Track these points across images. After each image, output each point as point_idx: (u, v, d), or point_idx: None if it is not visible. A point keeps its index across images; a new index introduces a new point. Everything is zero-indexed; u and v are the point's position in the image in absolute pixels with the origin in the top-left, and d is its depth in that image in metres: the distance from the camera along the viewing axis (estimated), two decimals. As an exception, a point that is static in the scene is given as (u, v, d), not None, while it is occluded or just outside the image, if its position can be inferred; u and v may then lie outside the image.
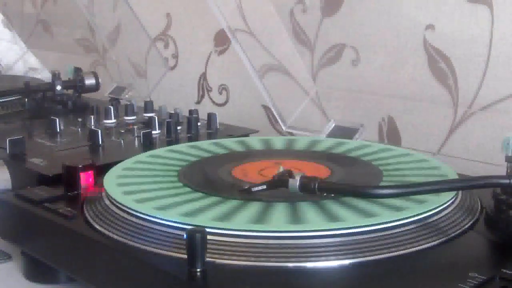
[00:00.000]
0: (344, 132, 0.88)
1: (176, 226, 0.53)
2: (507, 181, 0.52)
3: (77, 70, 1.20)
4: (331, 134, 0.89)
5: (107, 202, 0.61)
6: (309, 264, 0.49)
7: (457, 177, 0.64)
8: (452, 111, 0.83)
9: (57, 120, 0.95)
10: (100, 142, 0.86)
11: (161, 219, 0.54)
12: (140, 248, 0.53)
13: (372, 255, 0.50)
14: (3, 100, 1.11)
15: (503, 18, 0.76)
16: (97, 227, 0.58)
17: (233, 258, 0.50)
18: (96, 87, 1.19)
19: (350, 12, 0.91)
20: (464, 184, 0.57)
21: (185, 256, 0.48)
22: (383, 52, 0.88)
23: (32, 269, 0.65)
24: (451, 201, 0.58)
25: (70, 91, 1.18)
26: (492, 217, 0.55)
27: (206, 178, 0.67)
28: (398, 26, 0.85)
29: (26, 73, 1.63)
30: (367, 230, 0.52)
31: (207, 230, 0.49)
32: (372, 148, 0.77)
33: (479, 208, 0.60)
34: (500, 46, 0.77)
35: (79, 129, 0.96)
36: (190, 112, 0.96)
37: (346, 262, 0.49)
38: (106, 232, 0.56)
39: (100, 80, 1.19)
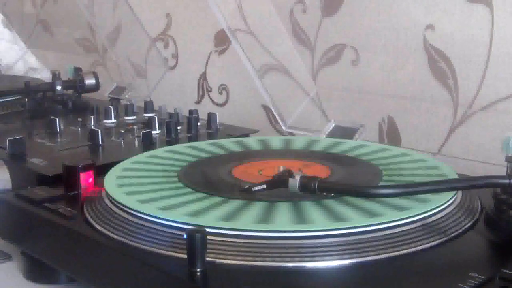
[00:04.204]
0: (344, 132, 0.88)
1: (176, 226, 0.53)
2: (507, 181, 0.52)
3: (77, 70, 1.20)
4: (331, 134, 0.89)
5: (107, 202, 0.61)
6: (309, 264, 0.49)
7: (457, 177, 0.64)
8: (452, 111, 0.83)
9: (57, 120, 0.95)
10: (100, 142, 0.86)
11: (161, 219, 0.54)
12: (140, 248, 0.53)
13: (372, 255, 0.50)
14: (3, 100, 1.11)
15: (503, 18, 0.76)
16: (97, 227, 0.57)
17: (233, 258, 0.50)
18: (96, 87, 1.19)
19: (350, 12, 0.91)
20: (464, 184, 0.57)
21: (185, 256, 0.48)
22: (383, 52, 0.88)
23: (32, 269, 0.65)
24: (451, 201, 0.58)
25: (70, 91, 1.18)
26: (492, 217, 0.55)
27: (206, 178, 0.67)
28: (398, 26, 0.85)
29: (26, 73, 1.63)
30: (367, 230, 0.52)
31: (208, 230, 0.49)
32: (370, 148, 0.77)
33: (479, 208, 0.60)
34: (500, 46, 0.77)
35: (79, 129, 0.96)
36: (190, 112, 0.96)
37: (346, 262, 0.49)
38: (106, 232, 0.56)
39: (100, 80, 1.19)
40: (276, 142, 0.81)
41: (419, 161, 0.71)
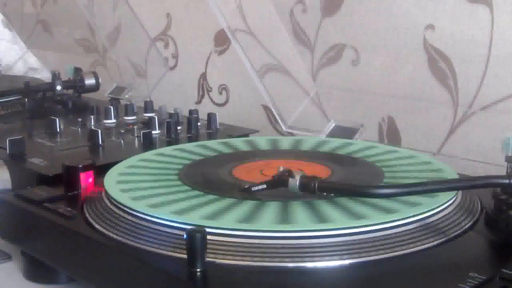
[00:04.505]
0: (344, 132, 0.88)
1: (176, 226, 0.53)
2: (507, 181, 0.52)
3: (77, 70, 1.20)
4: (331, 134, 0.89)
5: (107, 202, 0.61)
6: (309, 264, 0.49)
7: (457, 177, 0.64)
8: (452, 111, 0.83)
9: (57, 120, 0.95)
10: (100, 142, 0.86)
11: (161, 219, 0.54)
12: (140, 248, 0.53)
13: (372, 255, 0.50)
14: (3, 100, 1.11)
15: (503, 18, 0.76)
16: (97, 227, 0.58)
17: (233, 258, 0.50)
18: (96, 87, 1.19)
19: (350, 12, 0.91)
20: (464, 184, 0.57)
21: (185, 256, 0.48)
22: (383, 52, 0.88)
23: (32, 269, 0.65)
24: (451, 201, 0.58)
25: (70, 91, 1.18)
26: (492, 217, 0.55)
27: (206, 178, 0.67)
28: (398, 26, 0.85)
29: (26, 73, 1.63)
30: (367, 230, 0.52)
31: (208, 230, 0.49)
32: (377, 149, 0.77)
33: (479, 208, 0.60)
34: (500, 46, 0.77)
35: (79, 129, 0.96)
36: (190, 112, 0.96)
37: (346, 262, 0.49)
38: (106, 232, 0.56)
39: (100, 80, 1.19)
40: (262, 142, 0.81)
41: (420, 161, 0.71)
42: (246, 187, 0.61)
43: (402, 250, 0.51)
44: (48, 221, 0.61)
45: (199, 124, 0.94)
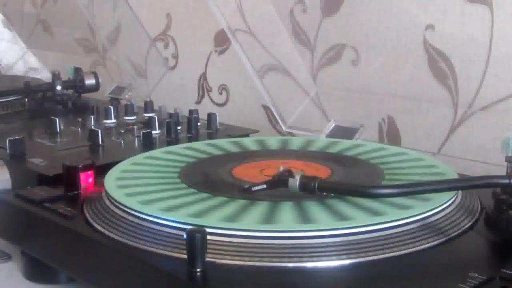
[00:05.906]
0: (344, 132, 0.88)
1: (177, 226, 0.53)
2: (507, 181, 0.52)
3: (77, 70, 1.20)
4: (331, 134, 0.89)
5: (107, 202, 0.61)
6: (309, 264, 0.49)
7: (457, 177, 0.64)
8: (452, 111, 0.83)
9: (57, 120, 0.95)
10: (100, 142, 0.86)
11: (161, 219, 0.54)
12: (140, 248, 0.53)
13: (372, 255, 0.50)
14: (3, 100, 1.11)
15: (503, 18, 0.76)
16: (97, 227, 0.58)
17: (233, 258, 0.50)
18: (96, 87, 1.19)
19: (350, 12, 0.91)
20: (464, 184, 0.57)
21: (185, 256, 0.48)
22: (383, 52, 0.88)
23: (32, 269, 0.65)
24: (451, 201, 0.58)
25: (70, 91, 1.18)
26: (492, 217, 0.55)
27: (206, 178, 0.67)
28: (398, 26, 0.85)
29: (26, 73, 1.63)
30: (367, 230, 0.52)
31: (209, 230, 0.49)
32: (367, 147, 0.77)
33: (479, 208, 0.60)
34: (500, 46, 0.77)
35: (79, 129, 0.96)
36: (190, 112, 0.96)
37: (346, 262, 0.49)
38: (106, 232, 0.56)
39: (100, 80, 1.19)
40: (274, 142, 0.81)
41: (418, 160, 0.71)
42: (246, 187, 0.61)
43: (402, 250, 0.51)
44: (48, 221, 0.61)
45: (199, 124, 0.94)
